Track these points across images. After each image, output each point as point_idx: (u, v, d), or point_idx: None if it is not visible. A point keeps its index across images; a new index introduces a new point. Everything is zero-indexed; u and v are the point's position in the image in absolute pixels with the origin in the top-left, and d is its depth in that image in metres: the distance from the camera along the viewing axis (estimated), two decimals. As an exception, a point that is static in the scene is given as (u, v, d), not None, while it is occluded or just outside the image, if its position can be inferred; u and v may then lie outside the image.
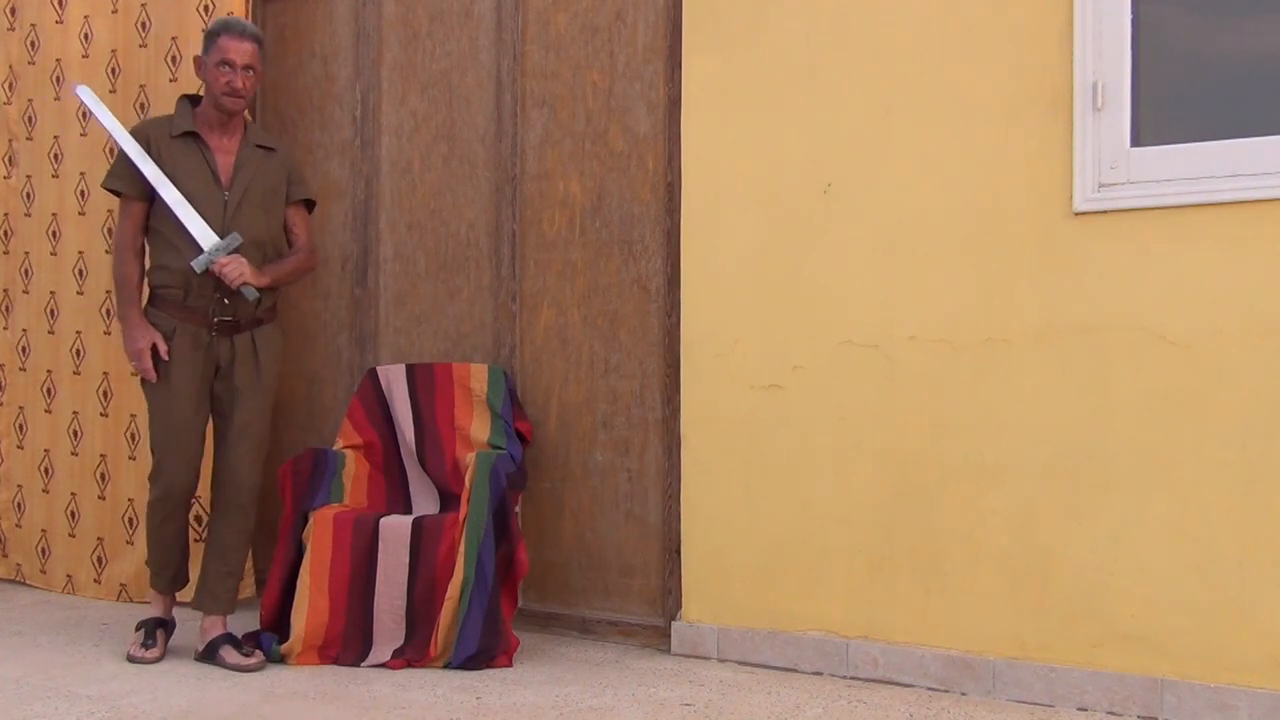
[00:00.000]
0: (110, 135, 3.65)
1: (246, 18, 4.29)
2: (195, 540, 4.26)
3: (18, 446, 4.79)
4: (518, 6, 4.00)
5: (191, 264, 3.44)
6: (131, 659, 3.51)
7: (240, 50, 3.51)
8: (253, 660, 3.41)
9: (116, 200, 4.49)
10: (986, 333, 3.16)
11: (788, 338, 3.44)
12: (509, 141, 4.01)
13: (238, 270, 3.43)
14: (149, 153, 3.52)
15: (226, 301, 3.50)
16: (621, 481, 3.78)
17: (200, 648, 3.53)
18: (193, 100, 3.66)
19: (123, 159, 3.55)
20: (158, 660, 3.52)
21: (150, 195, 3.52)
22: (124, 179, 3.56)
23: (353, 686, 3.28)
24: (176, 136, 3.55)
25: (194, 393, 3.52)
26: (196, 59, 3.62)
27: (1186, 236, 2.93)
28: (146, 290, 3.62)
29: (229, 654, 3.43)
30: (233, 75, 3.51)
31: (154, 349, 3.47)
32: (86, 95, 3.75)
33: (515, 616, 3.65)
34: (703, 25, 3.60)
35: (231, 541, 3.59)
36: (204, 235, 3.45)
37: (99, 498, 4.53)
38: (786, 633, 3.43)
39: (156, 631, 3.58)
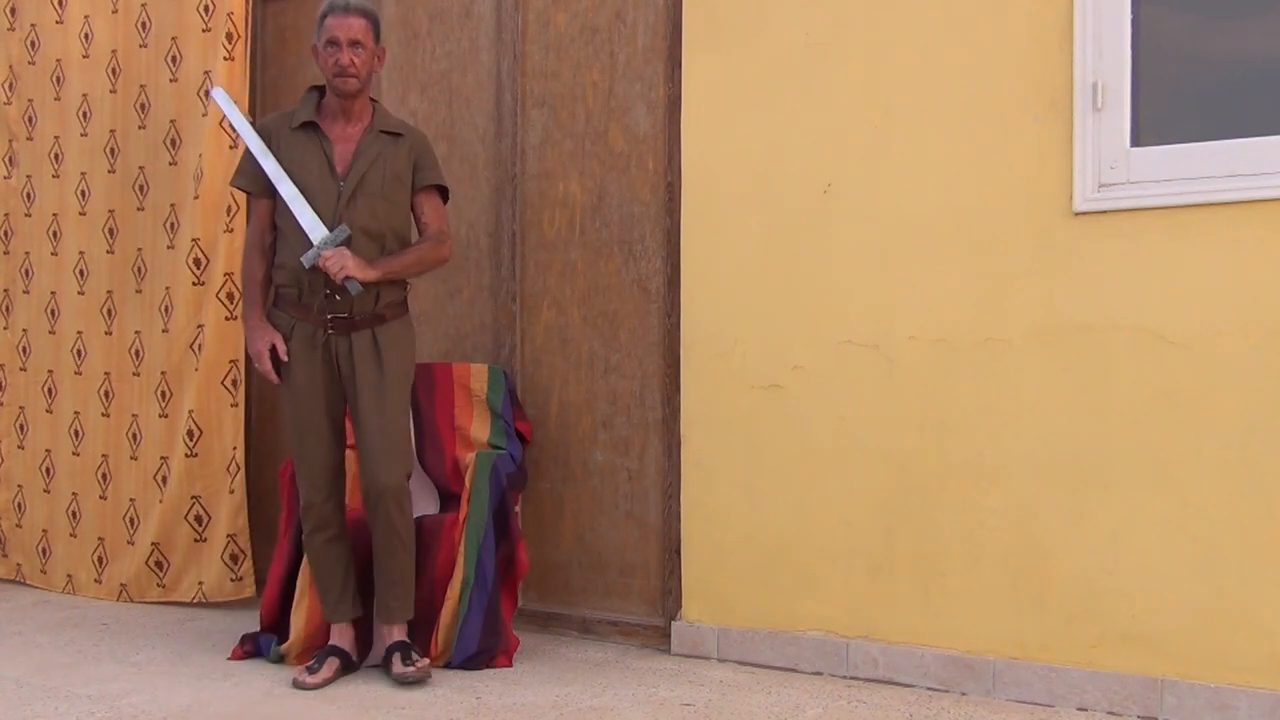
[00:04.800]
0: (240, 135, 3.51)
1: (246, 18, 4.29)
2: (195, 540, 4.28)
3: (18, 446, 4.79)
4: (518, 6, 4.00)
5: (301, 259, 3.27)
6: (294, 684, 3.26)
7: (344, 26, 3.31)
8: (411, 670, 3.25)
9: (116, 200, 4.55)
10: (986, 333, 3.16)
11: (788, 338, 3.44)
12: (509, 141, 4.01)
13: (339, 263, 3.22)
14: (270, 147, 3.37)
15: (339, 298, 3.30)
16: (621, 481, 3.78)
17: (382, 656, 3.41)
18: (321, 91, 3.47)
19: (247, 156, 3.42)
20: (319, 686, 3.23)
21: (275, 192, 3.36)
22: (247, 176, 3.43)
23: (353, 686, 3.28)
24: (296, 128, 3.39)
25: (316, 392, 3.35)
26: (313, 47, 3.42)
27: (1186, 236, 2.93)
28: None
29: (394, 663, 3.29)
30: (339, 53, 3.30)
31: (274, 351, 3.33)
32: (221, 98, 3.63)
33: (515, 616, 3.65)
34: (703, 25, 3.60)
35: (384, 549, 3.35)
36: (314, 229, 3.28)
37: (100, 498, 4.53)
38: (786, 633, 3.43)
39: (328, 658, 3.33)
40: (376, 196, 3.37)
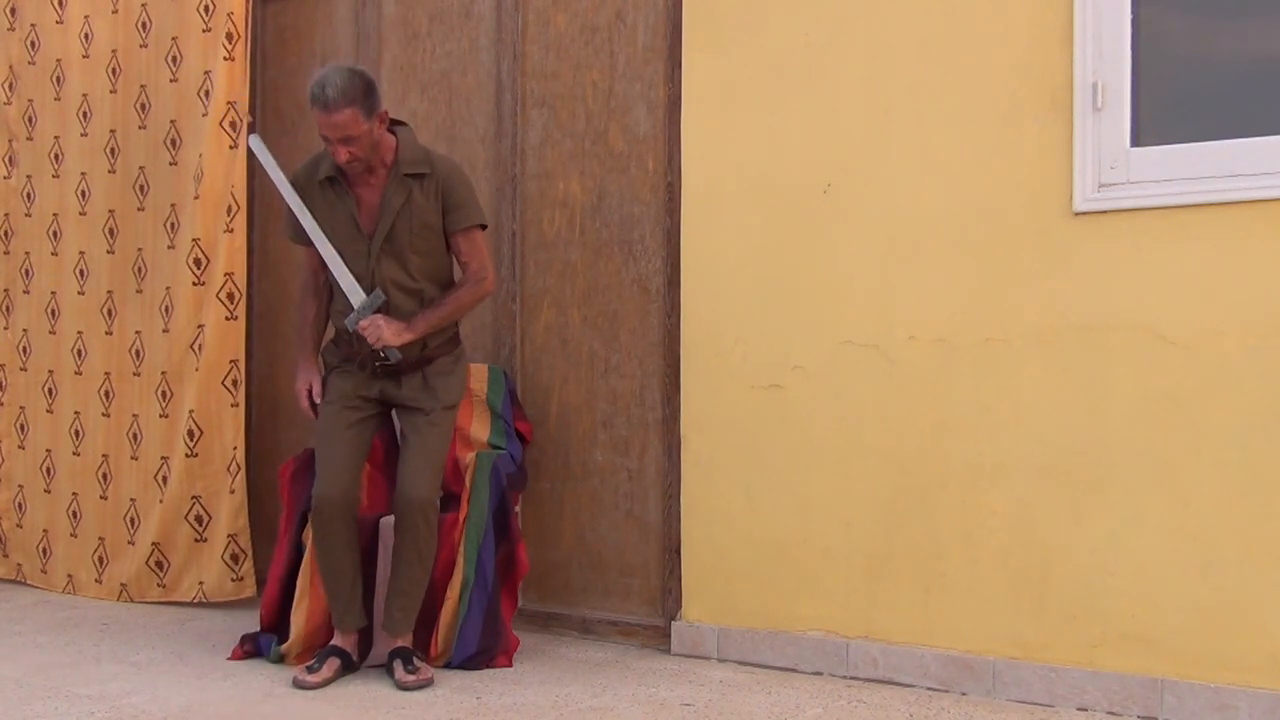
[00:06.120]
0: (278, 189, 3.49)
1: (246, 18, 4.28)
2: (196, 540, 4.28)
3: (19, 446, 4.79)
4: (518, 6, 4.00)
5: (345, 323, 3.37)
6: (294, 683, 3.26)
7: (330, 125, 3.18)
8: (410, 678, 3.24)
9: (116, 200, 4.55)
10: (986, 333, 3.16)
11: (788, 338, 3.44)
12: (509, 141, 4.01)
13: (375, 335, 3.28)
14: (303, 200, 3.40)
15: (382, 354, 3.35)
16: (621, 481, 3.78)
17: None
18: None
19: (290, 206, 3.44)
20: (319, 686, 3.24)
21: None
22: (292, 227, 3.46)
23: (353, 686, 3.28)
24: (321, 181, 3.37)
25: (350, 408, 3.39)
26: None
27: (1186, 236, 2.93)
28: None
29: (395, 669, 3.29)
30: (335, 149, 3.23)
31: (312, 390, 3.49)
32: (257, 146, 3.57)
33: (515, 616, 3.65)
34: (703, 25, 3.60)
35: (401, 557, 3.34)
36: (353, 293, 3.33)
37: (100, 497, 4.53)
38: (786, 633, 3.43)
39: (328, 658, 3.33)
40: (405, 251, 3.36)
